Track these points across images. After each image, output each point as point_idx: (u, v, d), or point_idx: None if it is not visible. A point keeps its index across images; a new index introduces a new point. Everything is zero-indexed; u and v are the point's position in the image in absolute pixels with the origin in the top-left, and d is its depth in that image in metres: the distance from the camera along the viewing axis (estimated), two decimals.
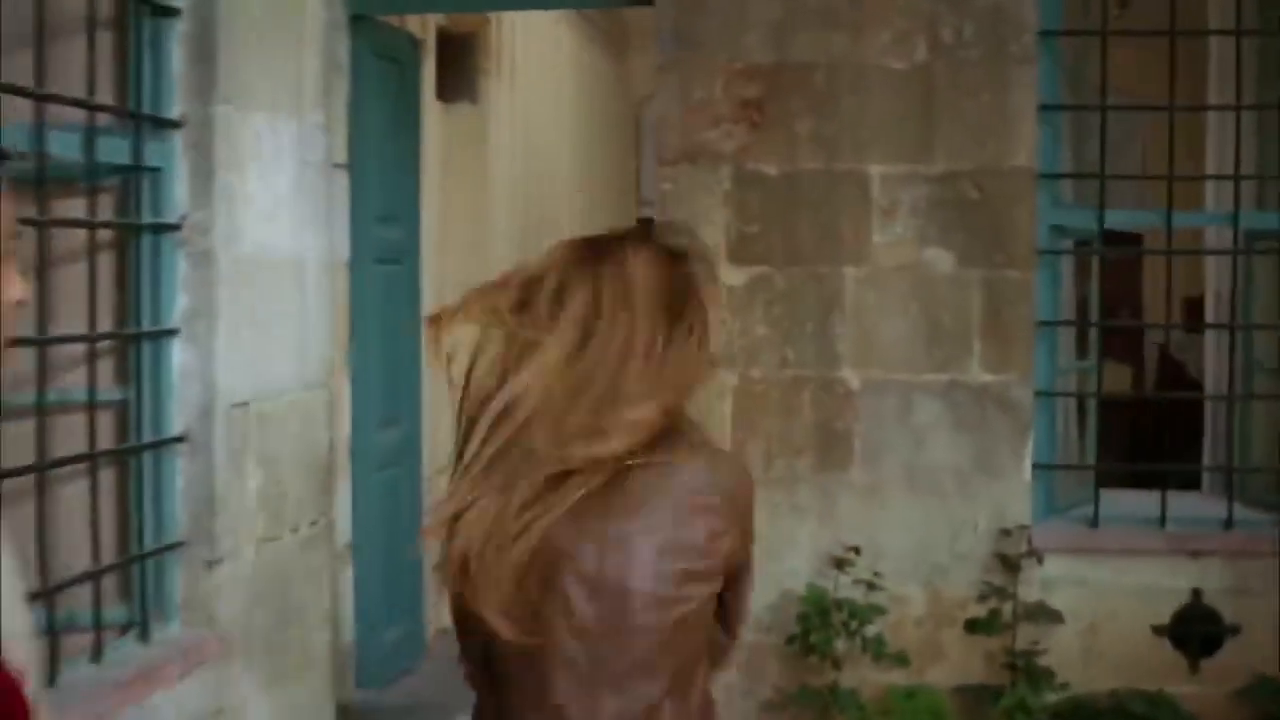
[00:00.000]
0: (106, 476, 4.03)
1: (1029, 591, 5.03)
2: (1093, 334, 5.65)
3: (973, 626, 5.01)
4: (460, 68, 6.93)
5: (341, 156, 5.50)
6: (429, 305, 6.32)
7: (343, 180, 5.53)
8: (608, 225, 2.45)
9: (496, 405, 2.09)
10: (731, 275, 5.18)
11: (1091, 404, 5.65)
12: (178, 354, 4.20)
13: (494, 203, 7.17)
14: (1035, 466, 5.15)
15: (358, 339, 5.70)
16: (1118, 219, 5.33)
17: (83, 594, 3.84)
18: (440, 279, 6.55)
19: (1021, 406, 5.11)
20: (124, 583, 4.11)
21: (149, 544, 4.13)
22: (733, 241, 5.18)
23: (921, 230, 5.12)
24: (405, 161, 6.16)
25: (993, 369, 5.11)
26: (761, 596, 5.07)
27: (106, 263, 4.06)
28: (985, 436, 5.11)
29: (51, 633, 3.59)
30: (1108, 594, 5.10)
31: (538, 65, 8.03)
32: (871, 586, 4.98)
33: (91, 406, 3.88)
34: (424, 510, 6.40)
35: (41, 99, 3.61)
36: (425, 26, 6.56)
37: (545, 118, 8.46)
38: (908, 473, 5.13)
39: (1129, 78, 5.52)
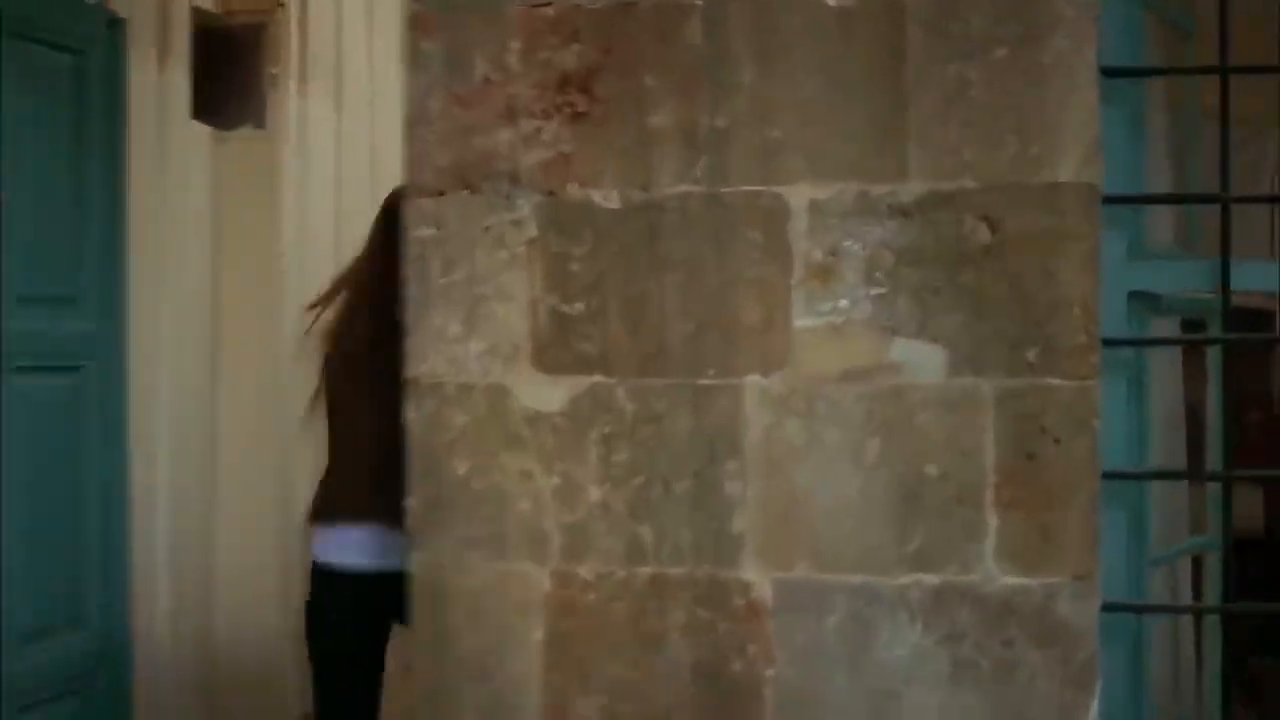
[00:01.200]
0: None
1: None
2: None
3: None
4: (235, 74, 4.65)
5: None
6: (139, 430, 4.02)
7: None
8: None
9: None
10: (539, 393, 2.89)
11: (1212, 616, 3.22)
12: None
13: (297, 276, 4.80)
14: None
15: None
16: (1254, 278, 2.96)
17: None
18: (179, 386, 4.24)
19: (1077, 633, 2.71)
20: None
21: None
22: (542, 331, 2.89)
23: (886, 305, 2.78)
24: (93, 214, 3.91)
25: (1023, 565, 2.73)
26: None
27: None
28: (1008, 692, 2.73)
29: None
30: None
31: (387, 75, 5.70)
32: None
33: None
34: None
35: None
36: (168, 7, 4.30)
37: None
38: None
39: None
